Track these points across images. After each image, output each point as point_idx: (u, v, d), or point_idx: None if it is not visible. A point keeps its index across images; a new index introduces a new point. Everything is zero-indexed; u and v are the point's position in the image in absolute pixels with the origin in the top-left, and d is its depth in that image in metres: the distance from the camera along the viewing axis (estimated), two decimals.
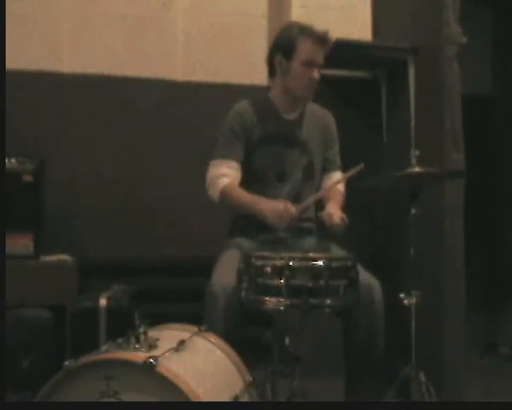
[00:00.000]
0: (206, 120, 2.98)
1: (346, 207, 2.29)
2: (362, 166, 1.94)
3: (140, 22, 3.13)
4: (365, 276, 1.93)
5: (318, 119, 2.32)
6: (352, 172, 2.00)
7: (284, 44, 2.18)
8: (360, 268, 1.81)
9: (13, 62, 2.71)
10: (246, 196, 2.11)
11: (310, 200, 2.15)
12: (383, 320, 1.98)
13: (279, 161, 2.21)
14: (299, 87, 2.19)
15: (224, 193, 2.13)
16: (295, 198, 2.22)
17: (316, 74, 2.16)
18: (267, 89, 2.33)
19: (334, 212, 2.07)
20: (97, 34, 3.07)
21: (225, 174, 2.14)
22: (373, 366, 1.99)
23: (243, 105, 2.24)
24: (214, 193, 2.15)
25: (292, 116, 2.27)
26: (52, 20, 3.02)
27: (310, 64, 2.14)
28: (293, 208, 1.98)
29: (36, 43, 2.99)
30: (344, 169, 2.41)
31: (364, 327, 1.95)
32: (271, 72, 2.26)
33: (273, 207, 2.00)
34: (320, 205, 2.25)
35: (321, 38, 2.14)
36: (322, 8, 3.19)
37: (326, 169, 2.34)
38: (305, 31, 2.15)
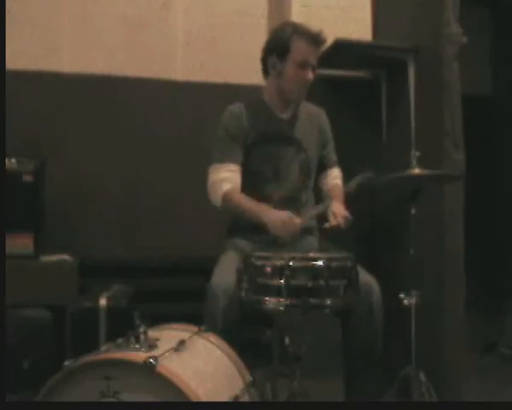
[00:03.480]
0: (206, 120, 2.98)
1: (346, 207, 2.28)
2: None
3: (140, 22, 3.13)
4: (363, 276, 1.93)
5: (313, 117, 2.33)
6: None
7: (278, 45, 2.17)
8: (359, 268, 1.81)
9: (13, 62, 2.72)
10: (248, 204, 2.08)
11: (313, 212, 2.15)
12: (382, 320, 1.98)
13: (275, 159, 2.21)
14: (293, 88, 2.19)
15: (226, 199, 2.11)
16: (293, 196, 2.23)
17: (309, 75, 2.16)
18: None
19: (338, 211, 2.07)
20: (97, 34, 3.07)
21: (226, 178, 2.12)
22: (372, 365, 1.99)
23: (237, 107, 2.24)
24: (216, 198, 2.14)
25: (285, 115, 2.28)
26: (52, 20, 3.02)
27: (304, 65, 2.14)
28: (297, 220, 1.95)
29: (36, 43, 2.99)
30: (343, 169, 2.42)
31: (363, 327, 1.95)
32: (265, 72, 2.26)
33: (276, 218, 1.96)
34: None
35: (315, 39, 2.14)
36: (323, 8, 3.19)
37: (323, 166, 2.35)
38: (299, 31, 2.15)
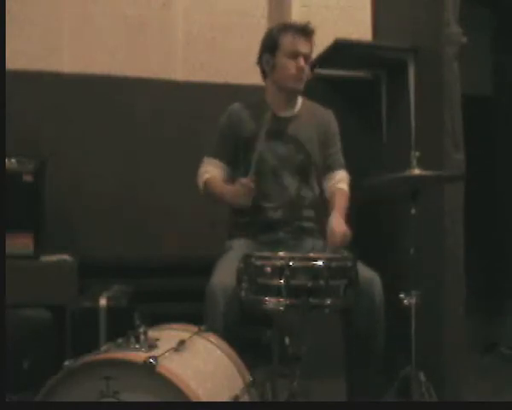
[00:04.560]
0: (206, 120, 2.97)
1: (347, 217, 2.27)
2: None
3: (140, 22, 3.13)
4: (364, 270, 1.93)
5: (316, 116, 2.33)
6: None
7: (268, 43, 2.26)
8: (359, 264, 1.81)
9: (13, 62, 2.71)
10: (218, 189, 2.23)
11: None
12: (383, 314, 1.99)
13: (275, 157, 2.22)
14: (287, 78, 2.23)
15: (205, 187, 2.27)
16: (293, 194, 2.23)
17: (302, 62, 2.20)
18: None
19: (337, 228, 2.00)
20: (97, 34, 3.07)
21: (208, 171, 2.27)
22: (374, 360, 1.99)
23: (236, 106, 2.32)
24: (200, 187, 2.30)
25: (286, 114, 2.29)
26: (52, 20, 3.02)
27: (294, 55, 2.20)
28: (247, 180, 2.05)
29: (36, 43, 2.98)
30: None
31: (365, 321, 1.95)
32: (263, 72, 2.32)
33: (232, 190, 2.12)
34: (326, 210, 2.25)
35: (301, 29, 2.21)
36: (323, 8, 3.20)
37: (329, 168, 2.33)
38: (286, 26, 2.25)
